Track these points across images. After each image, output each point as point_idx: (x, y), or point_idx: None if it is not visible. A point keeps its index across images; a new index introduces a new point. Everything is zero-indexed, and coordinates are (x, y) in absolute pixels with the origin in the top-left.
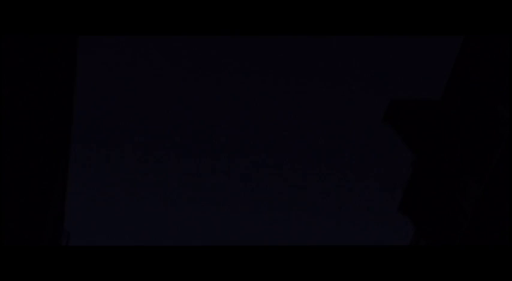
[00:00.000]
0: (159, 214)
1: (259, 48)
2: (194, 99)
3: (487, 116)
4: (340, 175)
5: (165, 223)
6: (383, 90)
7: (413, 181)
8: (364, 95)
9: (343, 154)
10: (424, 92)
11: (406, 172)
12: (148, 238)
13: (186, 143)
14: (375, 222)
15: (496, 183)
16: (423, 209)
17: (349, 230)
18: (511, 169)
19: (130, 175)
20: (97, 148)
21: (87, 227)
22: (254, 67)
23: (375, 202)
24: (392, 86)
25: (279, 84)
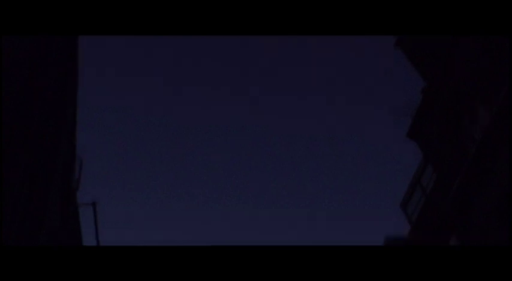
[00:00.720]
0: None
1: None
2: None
3: (499, 43)
4: (348, 102)
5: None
6: None
7: (422, 107)
8: None
9: (353, 81)
10: None
11: (416, 100)
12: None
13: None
14: (383, 150)
15: (506, 110)
16: (431, 135)
17: (358, 157)
18: None
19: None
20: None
21: (98, 157)
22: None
23: (384, 131)
24: None
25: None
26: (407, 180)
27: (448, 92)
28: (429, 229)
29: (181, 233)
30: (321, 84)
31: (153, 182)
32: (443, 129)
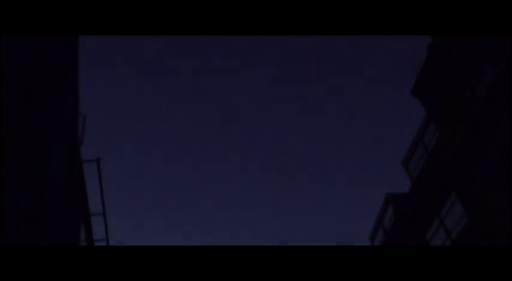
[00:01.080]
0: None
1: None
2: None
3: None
4: (352, 60)
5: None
6: None
7: (427, 64)
8: None
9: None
10: None
11: (422, 56)
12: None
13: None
14: (389, 105)
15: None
16: (435, 92)
17: (366, 113)
18: None
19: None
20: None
21: (102, 111)
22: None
23: (388, 88)
24: None
25: None
26: (409, 138)
27: (453, 49)
28: (430, 187)
29: (183, 187)
30: (322, 38)
31: (156, 138)
32: (448, 87)
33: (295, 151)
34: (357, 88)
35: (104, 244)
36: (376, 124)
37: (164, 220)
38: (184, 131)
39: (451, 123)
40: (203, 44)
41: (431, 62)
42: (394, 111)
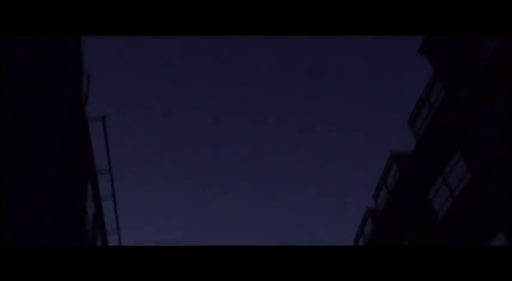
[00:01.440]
0: None
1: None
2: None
3: None
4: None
5: None
6: None
7: None
8: None
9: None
10: None
11: None
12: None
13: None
14: (394, 65)
15: None
16: (443, 50)
17: (369, 72)
18: None
19: None
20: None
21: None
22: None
23: (396, 47)
24: None
25: None
26: (416, 98)
27: None
28: (435, 144)
29: (188, 140)
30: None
31: (158, 92)
32: (455, 45)
33: (303, 102)
34: (364, 46)
35: (110, 200)
36: (383, 83)
37: (167, 175)
38: (188, 84)
39: (456, 83)
40: None
41: None
42: (402, 70)
